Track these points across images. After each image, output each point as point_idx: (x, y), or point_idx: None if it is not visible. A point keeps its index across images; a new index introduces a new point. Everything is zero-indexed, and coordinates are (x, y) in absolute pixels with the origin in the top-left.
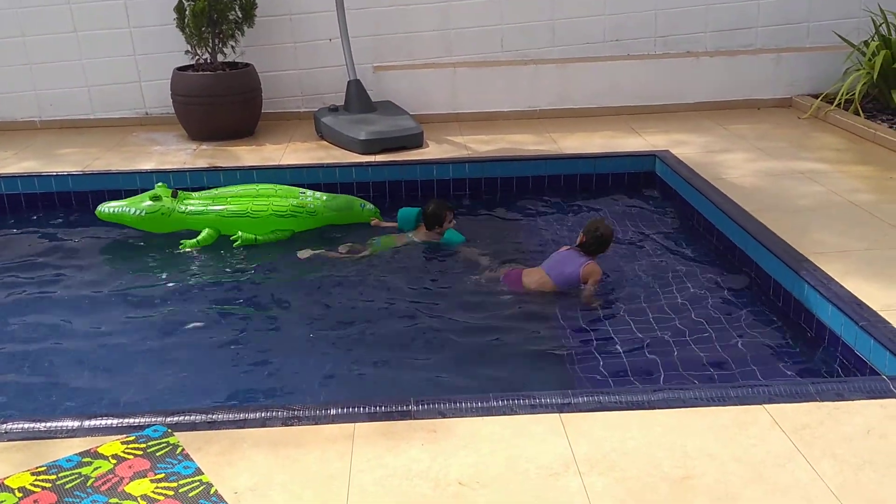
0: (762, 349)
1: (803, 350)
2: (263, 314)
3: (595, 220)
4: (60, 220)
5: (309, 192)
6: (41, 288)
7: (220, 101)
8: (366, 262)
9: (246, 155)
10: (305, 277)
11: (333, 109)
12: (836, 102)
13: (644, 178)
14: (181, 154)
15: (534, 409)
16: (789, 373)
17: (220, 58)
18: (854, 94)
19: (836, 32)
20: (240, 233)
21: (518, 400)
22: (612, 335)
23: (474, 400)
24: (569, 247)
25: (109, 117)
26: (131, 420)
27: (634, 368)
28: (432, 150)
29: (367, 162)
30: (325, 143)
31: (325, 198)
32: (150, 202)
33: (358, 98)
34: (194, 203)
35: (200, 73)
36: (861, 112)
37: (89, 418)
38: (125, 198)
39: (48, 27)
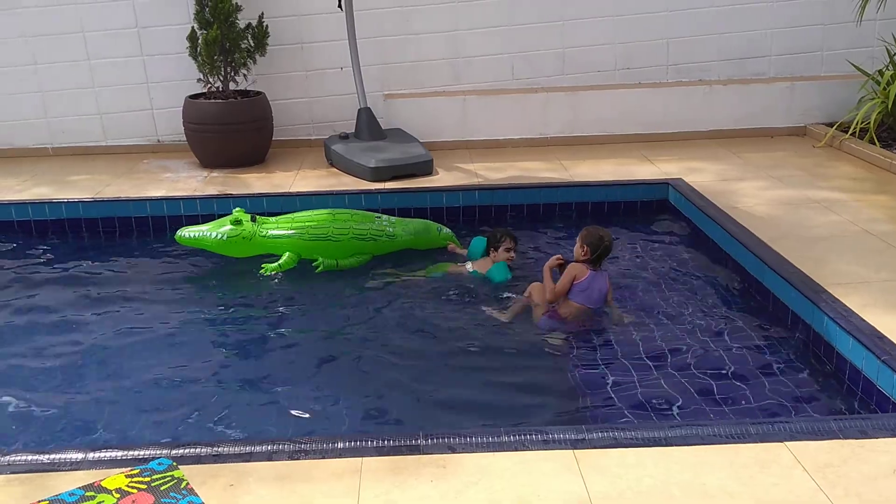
0: (779, 382)
1: (822, 383)
2: (272, 341)
3: (591, 230)
4: (71, 247)
5: (384, 217)
6: (48, 315)
7: (232, 129)
8: (403, 284)
9: (256, 182)
10: (326, 303)
11: (344, 137)
12: (850, 131)
13: (657, 207)
14: (192, 181)
15: (546, 444)
16: (808, 407)
17: (231, 86)
18: (869, 122)
19: (849, 61)
20: (321, 259)
21: (530, 435)
22: (627, 366)
23: (485, 434)
24: (584, 266)
25: (121, 144)
26: (136, 452)
27: (649, 401)
28: (442, 178)
29: (377, 189)
30: (335, 170)
31: (396, 222)
32: (230, 226)
33: (368, 126)
34: (274, 227)
35: (212, 101)
36: (877, 141)
37: (93, 450)
38: (200, 223)
39: (61, 55)
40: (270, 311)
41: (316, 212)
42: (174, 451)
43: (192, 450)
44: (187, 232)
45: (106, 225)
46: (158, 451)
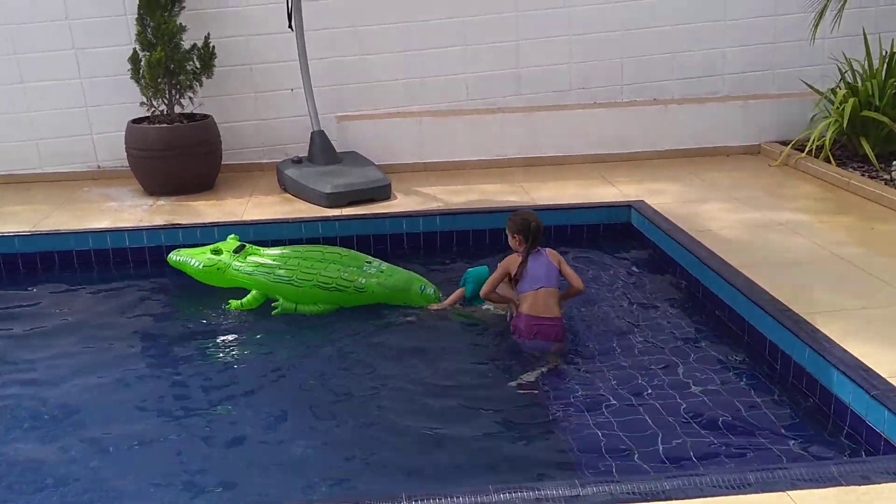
0: (761, 417)
1: (806, 419)
2: (229, 389)
3: (513, 218)
4: (6, 286)
5: (375, 263)
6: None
7: (178, 154)
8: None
9: (206, 210)
10: (288, 343)
11: (297, 161)
12: (806, 150)
13: (620, 230)
14: (137, 210)
15: (539, 503)
16: (796, 444)
17: (177, 109)
18: (824, 140)
19: (802, 80)
20: (280, 301)
21: (521, 492)
22: (601, 404)
23: (473, 494)
24: (516, 256)
25: (59, 171)
26: None
27: (631, 443)
28: (401, 203)
29: (334, 216)
30: (288, 196)
31: (385, 271)
32: (210, 255)
33: (322, 149)
34: (251, 262)
35: (157, 125)
36: (832, 160)
37: None
38: (192, 248)
39: None
40: (229, 355)
41: (305, 248)
42: None
43: None
44: (176, 255)
45: (44, 260)
46: None
